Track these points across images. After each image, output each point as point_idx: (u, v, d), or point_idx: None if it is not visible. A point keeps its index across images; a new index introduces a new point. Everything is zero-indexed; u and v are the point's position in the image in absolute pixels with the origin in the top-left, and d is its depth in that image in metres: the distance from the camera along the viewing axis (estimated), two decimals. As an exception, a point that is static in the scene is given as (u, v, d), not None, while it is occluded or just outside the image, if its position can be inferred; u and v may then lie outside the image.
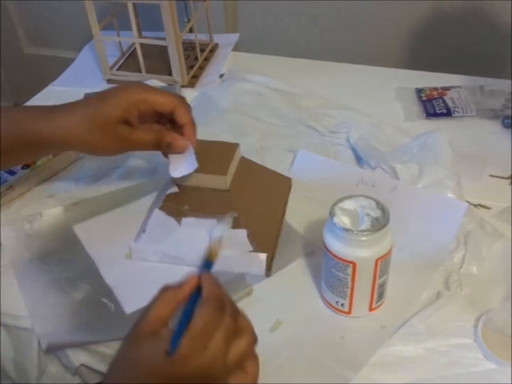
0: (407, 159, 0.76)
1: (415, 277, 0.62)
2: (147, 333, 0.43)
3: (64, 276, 0.65)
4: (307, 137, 0.85)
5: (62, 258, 0.68)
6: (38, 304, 0.63)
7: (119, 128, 0.57)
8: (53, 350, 0.60)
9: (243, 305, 0.61)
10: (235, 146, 0.68)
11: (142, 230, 0.67)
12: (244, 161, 0.70)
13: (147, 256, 0.66)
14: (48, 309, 0.62)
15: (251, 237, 0.63)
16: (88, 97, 0.60)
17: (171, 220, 0.65)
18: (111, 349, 0.58)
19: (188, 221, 0.65)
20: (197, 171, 0.63)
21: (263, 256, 0.63)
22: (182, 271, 0.63)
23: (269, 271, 0.64)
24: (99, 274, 0.65)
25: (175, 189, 0.66)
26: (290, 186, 0.76)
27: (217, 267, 0.64)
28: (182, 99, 0.61)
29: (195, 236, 0.64)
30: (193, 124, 0.60)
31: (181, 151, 0.60)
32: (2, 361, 0.63)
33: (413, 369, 0.54)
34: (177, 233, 0.65)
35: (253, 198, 0.68)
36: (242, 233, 0.63)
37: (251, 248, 0.63)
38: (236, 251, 0.63)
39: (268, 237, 0.66)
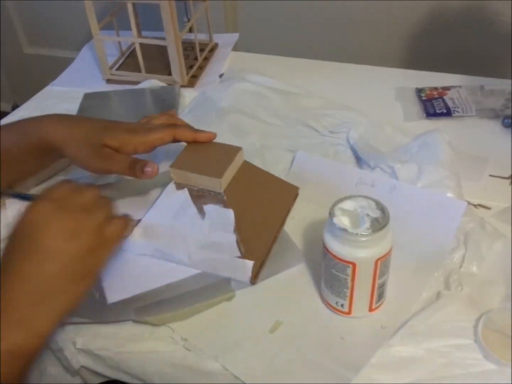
0: (407, 159, 0.76)
1: (415, 277, 0.62)
2: None
3: None
4: (306, 137, 0.85)
5: None
6: None
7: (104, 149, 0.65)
8: None
9: (243, 305, 0.61)
10: (236, 149, 0.67)
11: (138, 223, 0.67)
12: (249, 167, 0.69)
13: (141, 250, 0.66)
14: None
15: (241, 242, 0.62)
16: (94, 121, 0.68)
17: (166, 218, 0.65)
18: (110, 351, 0.58)
19: (181, 221, 0.65)
20: (194, 171, 0.64)
21: (249, 264, 0.62)
22: (171, 268, 0.64)
23: (255, 279, 0.62)
24: None
25: (173, 188, 0.66)
26: (296, 195, 0.74)
27: (204, 268, 0.64)
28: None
29: (186, 236, 0.64)
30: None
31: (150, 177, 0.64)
32: (2, 361, 0.63)
33: (413, 370, 0.54)
34: (171, 231, 0.65)
35: (250, 204, 0.67)
36: (231, 237, 0.62)
37: (239, 254, 0.62)
38: (223, 255, 0.63)
39: (260, 244, 0.65)
